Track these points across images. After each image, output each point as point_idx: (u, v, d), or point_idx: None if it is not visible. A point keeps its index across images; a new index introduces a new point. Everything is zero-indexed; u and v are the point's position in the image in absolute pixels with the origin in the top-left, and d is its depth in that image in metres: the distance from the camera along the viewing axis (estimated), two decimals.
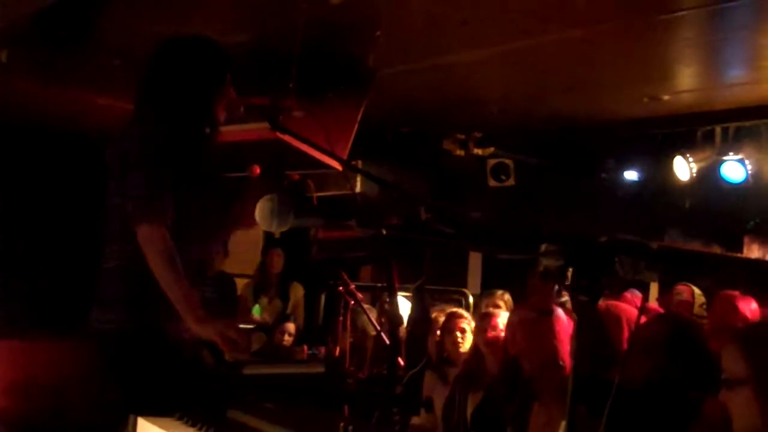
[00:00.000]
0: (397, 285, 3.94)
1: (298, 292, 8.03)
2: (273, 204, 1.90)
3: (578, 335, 1.78)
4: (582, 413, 2.77)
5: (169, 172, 3.05)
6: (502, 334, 4.46)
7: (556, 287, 3.12)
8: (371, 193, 6.42)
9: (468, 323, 5.13)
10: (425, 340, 5.16)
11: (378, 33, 5.12)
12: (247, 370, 3.55)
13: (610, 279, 1.74)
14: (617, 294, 4.97)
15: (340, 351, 5.59)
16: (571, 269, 1.69)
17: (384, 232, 1.87)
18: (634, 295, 5.39)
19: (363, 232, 1.90)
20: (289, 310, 7.73)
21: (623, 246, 1.72)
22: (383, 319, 5.60)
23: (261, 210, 1.93)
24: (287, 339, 7.00)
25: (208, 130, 3.28)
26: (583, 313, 1.74)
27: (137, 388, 2.98)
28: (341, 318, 5.58)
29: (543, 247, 1.70)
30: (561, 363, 3.51)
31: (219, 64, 3.28)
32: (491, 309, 5.14)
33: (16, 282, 7.28)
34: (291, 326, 7.14)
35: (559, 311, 3.70)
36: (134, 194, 2.99)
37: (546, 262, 1.71)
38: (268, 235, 8.90)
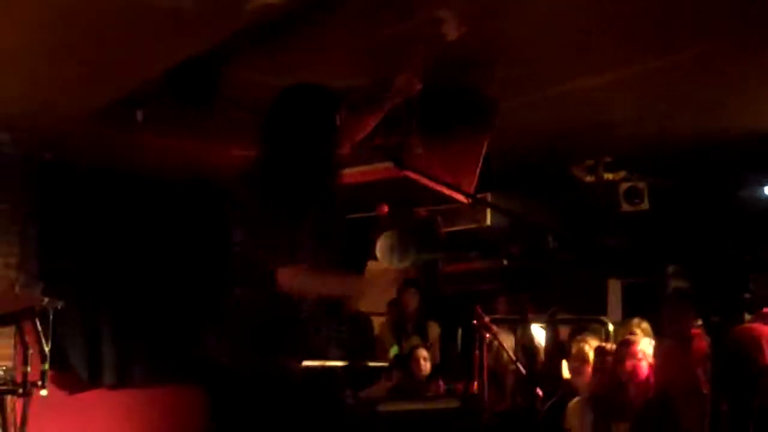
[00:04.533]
0: (529, 315, 3.91)
1: (434, 330, 7.99)
2: (393, 240, 1.90)
3: (713, 358, 1.71)
4: None
5: (299, 216, 3.11)
6: (642, 363, 4.33)
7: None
8: (502, 226, 6.38)
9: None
10: (560, 369, 5.06)
11: (499, 62, 5.11)
12: (382, 407, 3.54)
13: (749, 299, 1.66)
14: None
15: (478, 385, 5.53)
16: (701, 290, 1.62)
17: (505, 262, 1.84)
18: None
19: (485, 263, 1.88)
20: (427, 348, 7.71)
21: (757, 263, 1.64)
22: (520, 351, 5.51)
23: (382, 246, 1.94)
24: (423, 365, 6.96)
25: (329, 173, 3.31)
26: (716, 335, 1.67)
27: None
28: (477, 352, 5.53)
29: (670, 269, 1.64)
30: (704, 391, 3.37)
31: (328, 108, 3.33)
32: (629, 337, 5.00)
33: (151, 333, 7.56)
34: (423, 351, 7.12)
35: (702, 337, 3.56)
36: (268, 240, 3.05)
37: (675, 284, 1.65)
38: (403, 275, 8.92)
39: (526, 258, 1.94)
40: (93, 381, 7.47)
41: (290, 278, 3.02)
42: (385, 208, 3.88)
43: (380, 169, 5.19)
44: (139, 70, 5.14)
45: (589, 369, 5.15)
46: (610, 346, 5.22)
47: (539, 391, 3.89)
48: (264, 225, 3.09)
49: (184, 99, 5.20)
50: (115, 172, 7.29)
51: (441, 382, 6.55)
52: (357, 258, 3.57)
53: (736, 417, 2.69)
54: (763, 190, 6.59)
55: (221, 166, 6.24)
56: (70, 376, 7.31)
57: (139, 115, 5.76)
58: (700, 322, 3.55)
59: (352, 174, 5.40)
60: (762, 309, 4.94)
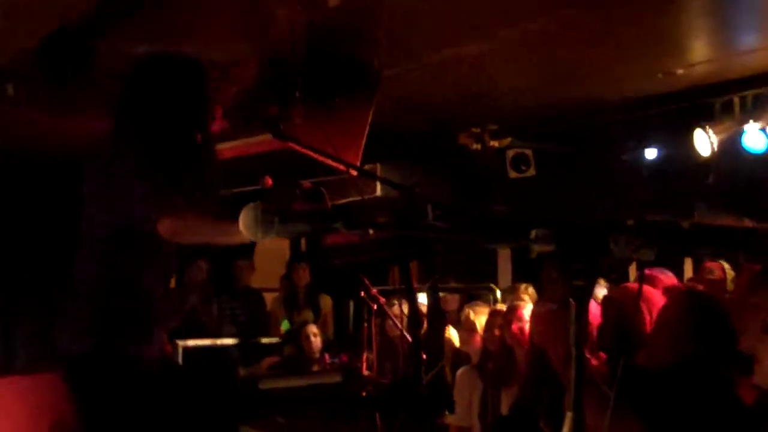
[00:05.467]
0: (417, 285, 3.90)
1: (327, 303, 7.99)
2: (256, 212, 1.83)
3: (576, 321, 1.71)
4: (603, 400, 2.69)
5: (174, 176, 2.99)
6: (527, 326, 4.37)
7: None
8: (392, 197, 6.35)
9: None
10: (442, 338, 5.09)
11: (380, 33, 5.07)
12: (263, 385, 3.50)
13: (610, 261, 1.66)
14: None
15: (367, 357, 5.53)
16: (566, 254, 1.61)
17: (371, 232, 1.79)
18: (666, 275, 5.25)
19: (353, 235, 1.82)
20: (319, 322, 7.69)
21: (617, 225, 1.64)
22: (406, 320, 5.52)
23: (245, 219, 1.86)
24: (314, 341, 6.94)
25: (197, 145, 3.21)
26: (579, 298, 1.66)
27: (121, 414, 2.93)
28: (366, 324, 5.52)
29: (533, 233, 1.62)
30: (587, 354, 3.40)
31: (195, 79, 3.24)
32: (515, 302, 5.04)
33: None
34: (313, 327, 7.09)
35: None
36: (145, 200, 2.90)
37: (538, 248, 1.63)
38: (293, 249, 8.88)
39: (394, 227, 1.91)
40: (5, 364, 7.21)
41: (173, 226, 2.84)
42: (269, 181, 3.79)
43: (263, 141, 5.10)
44: (9, 41, 4.92)
45: (478, 337, 5.19)
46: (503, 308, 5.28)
47: (424, 359, 3.89)
48: (141, 189, 2.93)
49: (57, 72, 5.01)
50: None
51: (327, 356, 6.54)
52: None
53: (612, 377, 2.71)
54: (644, 153, 6.73)
55: (94, 140, 6.06)
56: None
57: (10, 89, 5.52)
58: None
59: (234, 147, 5.31)
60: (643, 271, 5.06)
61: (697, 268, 6.37)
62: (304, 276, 7.93)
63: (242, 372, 6.69)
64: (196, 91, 3.21)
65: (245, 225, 1.98)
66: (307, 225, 1.84)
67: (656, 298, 3.52)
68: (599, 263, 1.59)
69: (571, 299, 1.66)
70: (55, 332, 3.10)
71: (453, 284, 7.01)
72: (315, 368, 6.34)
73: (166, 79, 3.17)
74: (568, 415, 1.70)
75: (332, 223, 1.79)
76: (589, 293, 1.67)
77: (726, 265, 5.73)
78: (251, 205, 1.99)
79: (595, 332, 3.66)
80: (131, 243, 3.01)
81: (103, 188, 3.04)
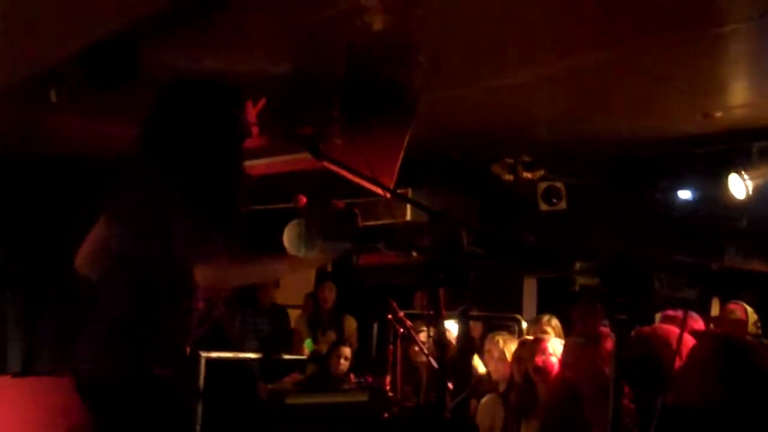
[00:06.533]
0: (444, 311, 3.89)
1: (351, 324, 7.99)
2: (300, 228, 1.85)
3: (617, 355, 1.70)
4: None
5: (213, 214, 2.97)
6: (552, 359, 4.36)
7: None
8: (422, 222, 6.36)
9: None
10: (470, 364, 5.07)
11: (421, 58, 5.09)
12: (290, 400, 3.49)
13: (655, 298, 1.66)
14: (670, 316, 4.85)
15: (391, 379, 5.52)
16: (608, 288, 1.61)
17: (414, 254, 1.81)
18: (692, 317, 5.23)
19: (395, 256, 1.84)
20: (346, 344, 7.68)
21: (664, 264, 1.64)
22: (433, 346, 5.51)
23: (288, 235, 1.89)
24: (343, 363, 6.92)
25: (230, 170, 3.17)
26: (621, 333, 1.66)
27: None
28: (391, 346, 5.52)
29: (577, 265, 1.62)
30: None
31: (226, 104, 3.20)
32: (540, 334, 5.04)
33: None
34: (347, 350, 7.06)
35: (611, 335, 3.59)
36: (185, 239, 2.85)
37: (582, 280, 1.64)
38: (320, 269, 8.90)
39: (435, 251, 1.92)
40: None
41: (211, 276, 2.81)
42: (303, 199, 3.81)
43: (298, 159, 5.13)
44: (54, 47, 4.98)
45: (508, 366, 5.18)
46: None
47: (450, 386, 3.88)
48: (181, 227, 2.89)
49: (101, 79, 5.05)
50: (25, 154, 7.07)
51: (352, 376, 6.53)
52: (274, 249, 3.49)
53: (640, 414, 2.70)
54: (677, 193, 6.70)
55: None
56: None
57: (53, 96, 5.57)
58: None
59: (269, 164, 5.35)
60: (666, 312, 5.05)
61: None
62: (330, 296, 7.94)
63: (268, 387, 6.69)
64: (233, 119, 3.18)
65: (289, 240, 2.01)
66: (350, 244, 1.86)
67: (684, 339, 3.50)
68: (643, 299, 1.60)
69: (612, 333, 1.66)
70: (77, 351, 3.05)
71: (476, 312, 6.99)
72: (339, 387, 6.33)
73: (204, 106, 3.11)
74: None
75: (375, 243, 1.81)
76: (631, 328, 1.67)
77: (748, 308, 5.70)
78: (296, 221, 2.02)
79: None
80: (165, 271, 2.96)
81: (139, 213, 3.00)
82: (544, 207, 7.14)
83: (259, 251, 2.96)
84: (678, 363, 3.21)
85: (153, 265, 2.95)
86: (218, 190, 3.05)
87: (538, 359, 4.48)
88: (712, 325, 5.77)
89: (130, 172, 3.13)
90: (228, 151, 3.15)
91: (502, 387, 5.27)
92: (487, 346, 5.77)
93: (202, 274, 2.77)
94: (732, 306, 5.87)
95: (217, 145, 3.11)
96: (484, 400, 5.21)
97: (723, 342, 3.05)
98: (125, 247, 3.02)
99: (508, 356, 5.28)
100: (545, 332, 5.56)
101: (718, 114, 5.87)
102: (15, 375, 7.27)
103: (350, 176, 4.04)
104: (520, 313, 7.60)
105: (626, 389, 3.63)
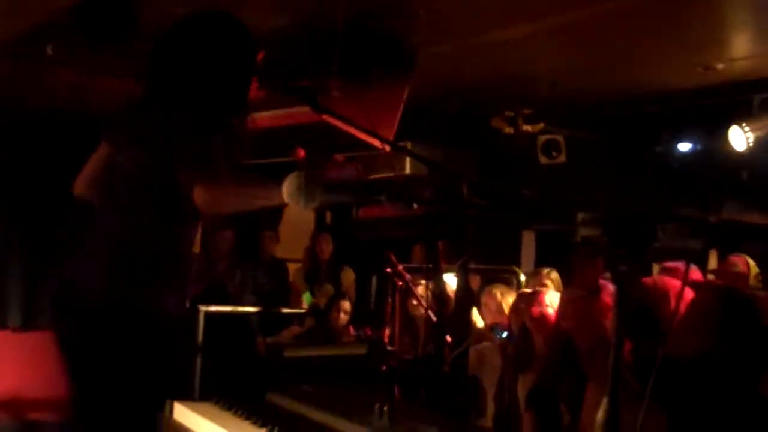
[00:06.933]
0: (443, 264, 3.90)
1: (349, 276, 8.01)
2: (300, 180, 1.84)
3: (618, 307, 1.70)
4: (633, 390, 2.69)
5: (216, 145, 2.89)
6: (549, 311, 4.37)
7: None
8: (421, 175, 6.36)
9: None
10: (469, 317, 5.09)
11: (420, 11, 5.05)
12: (288, 353, 3.51)
13: (656, 249, 1.65)
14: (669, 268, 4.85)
15: (390, 332, 5.55)
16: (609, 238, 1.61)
17: (415, 206, 1.80)
18: (691, 270, 5.24)
19: (401, 210, 1.84)
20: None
21: (665, 215, 1.63)
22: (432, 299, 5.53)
23: (289, 187, 1.88)
24: (342, 317, 6.96)
25: (237, 115, 3.15)
26: (623, 284, 1.66)
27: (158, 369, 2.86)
28: (390, 299, 5.54)
29: (580, 217, 1.62)
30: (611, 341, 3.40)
31: (245, 43, 3.16)
32: (538, 287, 5.04)
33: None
34: (346, 304, 7.09)
35: (610, 287, 3.60)
36: (185, 165, 2.79)
37: (584, 232, 1.63)
38: (318, 221, 8.91)
39: (436, 203, 1.91)
40: None
41: (211, 197, 2.75)
42: (302, 153, 3.79)
43: (297, 112, 5.11)
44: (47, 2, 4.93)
45: (504, 319, 5.19)
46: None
47: (449, 339, 3.90)
48: (186, 153, 2.81)
49: (98, 33, 5.00)
50: (22, 108, 7.04)
51: (351, 329, 6.57)
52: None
53: (639, 365, 2.71)
54: (677, 145, 6.69)
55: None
56: None
57: (49, 50, 5.53)
58: (608, 273, 3.59)
59: (268, 117, 5.32)
60: (664, 263, 5.05)
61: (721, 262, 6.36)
62: (326, 248, 7.96)
63: (266, 340, 6.73)
64: (244, 55, 3.14)
65: (289, 192, 2.00)
66: (350, 195, 1.85)
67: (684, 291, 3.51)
68: (645, 250, 1.59)
69: (614, 284, 1.66)
70: (62, 281, 2.99)
71: (474, 266, 7.01)
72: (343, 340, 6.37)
73: (213, 39, 3.04)
74: (604, 400, 1.69)
75: (377, 195, 1.80)
76: (632, 279, 1.67)
77: (751, 261, 5.71)
78: (295, 173, 2.01)
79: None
80: (164, 200, 2.93)
81: (138, 145, 2.97)
82: (543, 160, 7.13)
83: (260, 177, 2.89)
84: (678, 315, 3.22)
85: (155, 187, 2.93)
86: (225, 115, 3.02)
87: (535, 310, 4.48)
88: (712, 277, 5.79)
89: (135, 106, 3.11)
90: (241, 85, 3.08)
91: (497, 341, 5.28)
92: (485, 299, 5.77)
93: (201, 196, 2.73)
94: (734, 258, 5.88)
95: (230, 79, 3.06)
96: (479, 347, 5.21)
97: (723, 293, 3.06)
98: (127, 168, 2.99)
99: (506, 309, 5.28)
100: (544, 285, 5.56)
101: (720, 66, 5.84)
102: (15, 330, 7.32)
103: (349, 129, 4.03)
104: (519, 266, 7.62)
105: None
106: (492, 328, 5.29)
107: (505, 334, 4.81)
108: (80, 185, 3.21)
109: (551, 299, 4.48)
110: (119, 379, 2.80)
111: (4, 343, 7.20)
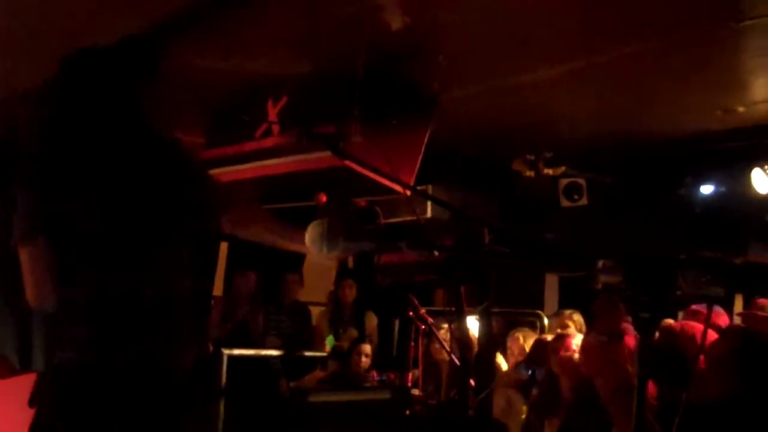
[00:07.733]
0: (466, 308, 3.89)
1: (372, 321, 7.99)
2: (322, 228, 1.87)
3: (640, 354, 1.70)
4: None
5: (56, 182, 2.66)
6: (576, 355, 4.35)
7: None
8: (442, 219, 6.37)
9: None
10: (493, 361, 5.07)
11: (441, 57, 5.09)
12: (312, 398, 3.50)
13: (678, 296, 1.65)
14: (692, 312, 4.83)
15: (412, 376, 5.53)
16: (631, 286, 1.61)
17: (436, 253, 1.82)
18: (716, 313, 5.21)
19: (416, 254, 1.85)
20: (366, 340, 7.69)
21: (687, 261, 1.64)
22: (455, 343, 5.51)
23: (311, 234, 1.90)
24: (364, 361, 6.93)
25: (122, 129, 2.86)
26: (645, 331, 1.66)
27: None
28: (413, 343, 5.53)
29: (600, 263, 1.62)
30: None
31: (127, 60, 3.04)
32: (564, 330, 5.02)
33: None
34: (367, 347, 7.06)
35: (633, 330, 3.58)
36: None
37: (604, 279, 1.64)
38: (340, 265, 8.92)
39: (457, 250, 1.92)
40: (23, 365, 7.29)
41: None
42: (324, 197, 3.82)
43: (320, 157, 5.14)
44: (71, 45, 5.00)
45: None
46: (549, 337, 5.24)
47: (472, 383, 3.88)
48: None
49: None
50: None
51: (374, 374, 6.54)
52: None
53: (663, 409, 2.69)
54: (699, 189, 6.67)
55: None
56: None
57: None
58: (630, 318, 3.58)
59: (290, 162, 5.37)
60: (690, 306, 5.02)
61: (747, 306, 6.30)
62: (350, 293, 7.96)
63: (290, 384, 6.71)
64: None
65: (311, 240, 2.02)
66: (372, 243, 1.87)
67: (709, 334, 3.49)
68: (666, 297, 1.60)
69: (636, 331, 1.66)
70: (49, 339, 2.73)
71: (497, 309, 6.98)
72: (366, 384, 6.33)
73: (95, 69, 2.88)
74: None
75: (398, 242, 1.82)
76: (654, 326, 1.67)
77: None
78: (318, 221, 2.03)
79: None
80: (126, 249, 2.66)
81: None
82: (565, 203, 7.12)
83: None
84: (701, 359, 3.20)
85: (121, 231, 2.68)
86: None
87: (562, 355, 4.47)
88: (738, 320, 5.75)
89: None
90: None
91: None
92: (508, 342, 5.76)
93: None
94: (761, 301, 5.83)
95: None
96: (504, 390, 5.17)
97: (744, 338, 3.05)
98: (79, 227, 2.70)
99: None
100: (567, 326, 5.54)
101: (740, 109, 5.84)
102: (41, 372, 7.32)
103: (371, 174, 4.05)
104: (542, 308, 7.59)
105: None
106: (516, 366, 5.27)
107: (530, 372, 4.79)
108: (34, 300, 2.74)
109: (577, 343, 4.47)
110: None
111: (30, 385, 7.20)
